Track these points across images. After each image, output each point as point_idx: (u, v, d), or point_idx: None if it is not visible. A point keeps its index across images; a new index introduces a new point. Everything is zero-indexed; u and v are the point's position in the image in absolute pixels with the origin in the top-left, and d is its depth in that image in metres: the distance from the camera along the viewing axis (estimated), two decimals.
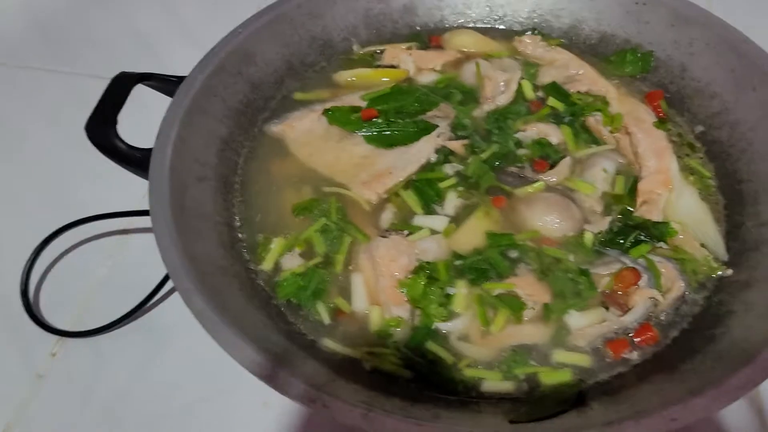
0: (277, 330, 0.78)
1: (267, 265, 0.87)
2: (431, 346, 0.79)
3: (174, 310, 1.07)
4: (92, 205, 1.12)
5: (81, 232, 1.13)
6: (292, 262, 0.87)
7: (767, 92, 0.91)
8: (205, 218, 0.86)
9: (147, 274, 1.05)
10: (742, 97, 0.95)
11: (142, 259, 1.10)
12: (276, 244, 0.89)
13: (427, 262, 0.85)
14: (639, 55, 1.07)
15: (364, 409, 0.64)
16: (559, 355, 0.79)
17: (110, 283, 1.10)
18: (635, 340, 0.80)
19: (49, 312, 1.07)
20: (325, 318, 0.82)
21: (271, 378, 0.66)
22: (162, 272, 1.03)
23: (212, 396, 0.95)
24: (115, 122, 0.90)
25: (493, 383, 0.77)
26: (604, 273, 0.84)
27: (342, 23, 1.12)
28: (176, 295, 1.07)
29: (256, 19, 1.04)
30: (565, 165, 0.94)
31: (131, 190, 1.16)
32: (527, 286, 0.83)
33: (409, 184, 0.94)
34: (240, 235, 0.90)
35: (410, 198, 0.92)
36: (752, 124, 0.92)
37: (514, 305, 0.81)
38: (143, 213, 1.13)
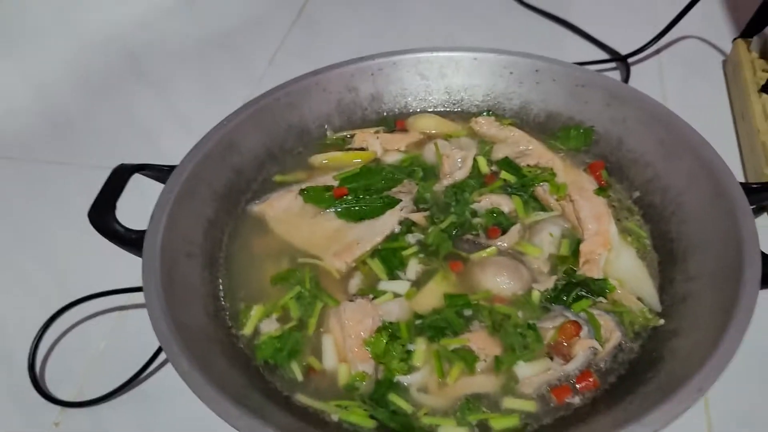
0: (255, 388, 0.87)
1: (247, 330, 0.97)
2: (393, 397, 0.88)
3: (168, 378, 1.16)
4: (94, 284, 1.23)
5: (84, 309, 1.24)
6: (270, 327, 0.97)
7: (692, 160, 1.02)
8: (192, 290, 0.97)
9: (143, 346, 1.15)
10: (670, 165, 1.06)
11: (138, 333, 1.19)
12: (256, 311, 0.99)
13: (390, 323, 0.95)
14: (581, 130, 1.19)
15: None
16: (508, 402, 0.87)
17: (109, 356, 1.20)
18: (577, 386, 0.88)
19: (53, 384, 1.16)
20: (299, 376, 0.92)
21: (249, 430, 0.75)
22: (156, 344, 1.13)
23: None
24: (114, 208, 1.01)
25: (448, 429, 0.85)
26: (549, 327, 0.94)
27: (317, 112, 1.25)
28: (169, 364, 1.16)
29: (241, 112, 1.17)
30: (515, 231, 1.05)
31: (129, 269, 1.28)
32: (480, 341, 0.92)
33: (375, 253, 1.05)
34: (223, 304, 1.01)
35: (376, 266, 1.03)
36: (680, 189, 1.03)
37: (468, 358, 0.91)
38: (139, 289, 1.24)
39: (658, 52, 1.78)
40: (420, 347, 0.93)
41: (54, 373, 1.18)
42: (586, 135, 1.19)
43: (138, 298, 1.26)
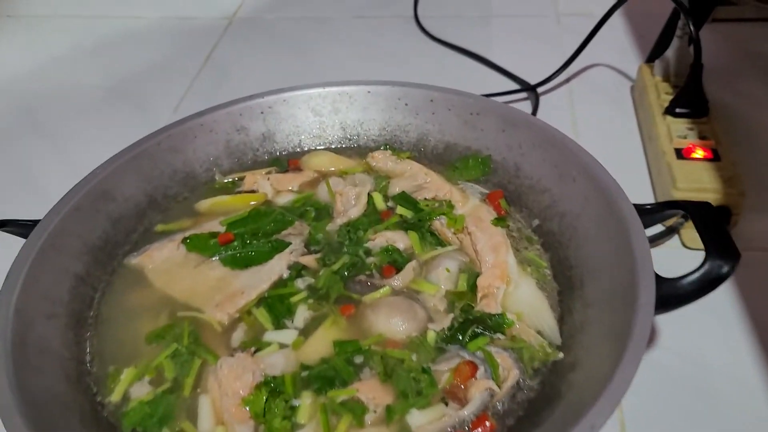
0: None
1: (115, 397, 0.87)
2: None
3: None
4: None
5: None
6: (141, 391, 0.88)
7: (585, 182, 0.98)
8: (49, 355, 0.87)
9: None
10: (565, 189, 1.02)
11: None
12: (126, 374, 0.89)
13: (273, 377, 0.86)
14: (479, 159, 1.15)
15: None
16: None
17: None
18: None
19: None
20: None
21: None
22: None
23: None
24: None
25: None
26: (444, 369, 0.87)
27: (203, 155, 1.18)
28: None
29: (116, 159, 1.09)
30: (410, 268, 0.99)
31: None
32: (369, 390, 0.85)
33: (261, 301, 0.97)
34: (89, 368, 0.91)
35: (261, 315, 0.95)
36: (576, 213, 0.99)
37: (356, 410, 0.83)
38: None
39: (568, 80, 1.77)
40: (305, 402, 0.84)
41: None
42: (484, 163, 1.15)
43: None
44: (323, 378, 0.87)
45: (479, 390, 0.84)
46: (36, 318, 0.89)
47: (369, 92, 1.22)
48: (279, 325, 0.94)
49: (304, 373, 0.88)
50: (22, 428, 0.73)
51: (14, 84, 1.94)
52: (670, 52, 1.48)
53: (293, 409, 0.84)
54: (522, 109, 1.18)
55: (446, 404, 0.84)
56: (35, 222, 0.99)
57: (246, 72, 1.91)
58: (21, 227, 1.00)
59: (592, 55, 1.73)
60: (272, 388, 0.85)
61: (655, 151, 1.39)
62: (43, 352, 0.86)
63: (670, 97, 1.42)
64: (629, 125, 1.60)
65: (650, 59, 1.63)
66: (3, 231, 1.02)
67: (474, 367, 0.86)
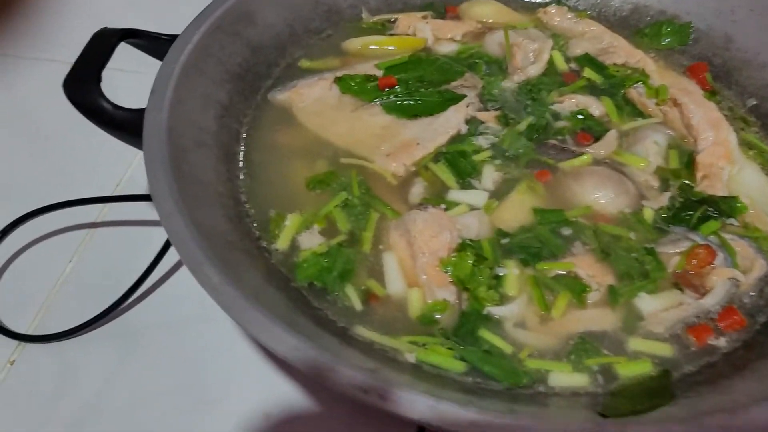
0: (302, 314, 0.64)
1: (282, 244, 0.74)
2: (485, 333, 0.66)
3: (153, 312, 0.90)
4: (55, 193, 0.96)
5: (42, 224, 0.97)
6: (312, 241, 0.74)
7: None
8: (208, 187, 0.73)
9: (118, 272, 0.90)
10: None
11: (113, 256, 0.95)
12: (291, 221, 0.75)
13: (471, 240, 0.73)
14: (676, 26, 0.98)
15: (433, 400, 0.51)
16: (636, 343, 0.67)
17: (77, 282, 0.94)
18: (719, 325, 0.68)
19: (6, 314, 0.90)
20: (357, 303, 0.69)
21: (312, 365, 0.52)
22: (138, 270, 0.88)
23: (200, 408, 0.79)
24: (98, 79, 0.76)
25: (563, 376, 0.64)
26: (671, 252, 0.74)
27: None
28: (155, 295, 0.91)
29: None
30: (612, 137, 0.84)
31: (100, 178, 1.01)
32: (588, 267, 0.72)
33: (440, 156, 0.82)
34: (247, 209, 0.76)
35: (442, 171, 0.80)
36: None
37: (576, 287, 0.70)
38: (118, 199, 0.98)
39: None
40: (511, 272, 0.71)
41: (6, 301, 0.91)
42: (683, 31, 0.98)
43: (113, 212, 0.99)
44: (528, 248, 0.73)
45: (721, 279, 0.71)
46: (188, 145, 0.73)
47: None
48: (465, 185, 0.79)
49: (504, 241, 0.74)
50: (203, 263, 0.59)
51: None
52: None
53: (497, 279, 0.70)
54: None
55: (681, 291, 0.71)
56: (172, 37, 0.82)
57: None
58: (153, 42, 0.84)
59: None
60: (474, 251, 0.71)
61: None
62: (199, 183, 0.71)
63: None
64: None
65: None
66: (129, 44, 0.84)
67: (711, 253, 0.72)
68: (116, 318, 0.90)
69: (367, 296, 0.70)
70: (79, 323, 0.87)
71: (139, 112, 0.72)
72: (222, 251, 0.64)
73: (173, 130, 0.71)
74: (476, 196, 0.78)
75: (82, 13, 1.37)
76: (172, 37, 0.82)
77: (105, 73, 0.76)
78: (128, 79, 0.98)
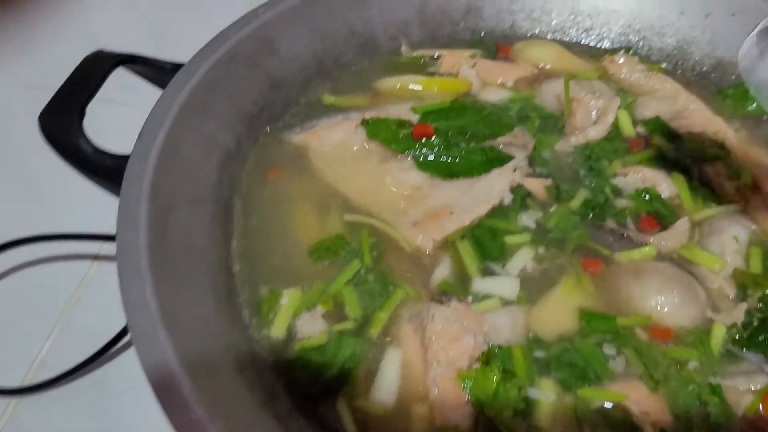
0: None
1: (277, 331, 0.62)
2: None
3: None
4: (54, 223, 0.87)
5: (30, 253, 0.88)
6: (314, 326, 0.62)
7: None
8: (198, 258, 0.61)
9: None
10: None
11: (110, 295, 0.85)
12: (289, 300, 0.63)
13: (499, 347, 0.60)
14: None
15: None
16: None
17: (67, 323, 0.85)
18: None
19: None
20: (350, 425, 0.57)
21: None
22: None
23: None
24: (81, 114, 0.65)
25: None
26: (742, 388, 0.60)
27: (390, 17, 0.89)
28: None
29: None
30: (682, 227, 0.70)
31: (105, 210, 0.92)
32: (641, 400, 0.58)
33: (467, 232, 0.69)
34: (238, 284, 0.65)
35: (467, 253, 0.67)
36: None
37: (626, 429, 0.57)
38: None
39: None
40: (547, 395, 0.58)
41: None
42: None
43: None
44: (569, 366, 0.60)
45: None
46: (177, 202, 0.62)
47: None
48: (486, 271, 0.67)
49: (539, 354, 0.61)
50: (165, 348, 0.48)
51: None
52: None
53: (527, 402, 0.58)
54: None
55: None
56: (177, 66, 0.71)
57: None
58: (155, 70, 0.73)
59: None
60: (502, 366, 0.58)
61: None
62: (186, 252, 0.60)
63: None
64: None
65: None
66: (128, 69, 0.74)
67: None
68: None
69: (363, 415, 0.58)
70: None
71: (124, 159, 0.61)
72: (199, 345, 0.53)
73: (161, 184, 0.60)
74: (507, 286, 0.65)
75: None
76: (177, 66, 0.71)
77: (91, 105, 0.66)
78: (119, 113, 0.88)
